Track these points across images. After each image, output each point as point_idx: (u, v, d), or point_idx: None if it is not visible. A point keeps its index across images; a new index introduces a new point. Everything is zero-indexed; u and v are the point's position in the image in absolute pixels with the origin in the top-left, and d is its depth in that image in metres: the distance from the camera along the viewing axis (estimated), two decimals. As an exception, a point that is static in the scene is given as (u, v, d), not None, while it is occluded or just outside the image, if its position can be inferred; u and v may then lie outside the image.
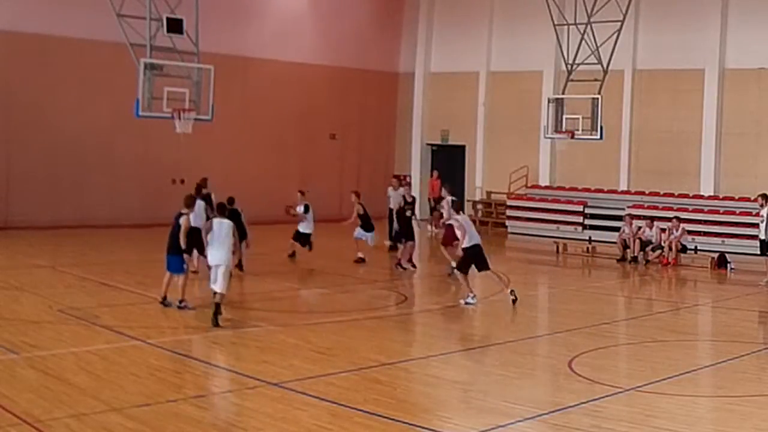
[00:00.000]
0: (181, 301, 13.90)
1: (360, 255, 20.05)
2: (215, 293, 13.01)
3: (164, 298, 14.07)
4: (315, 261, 20.04)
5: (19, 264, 18.48)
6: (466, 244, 15.40)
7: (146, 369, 10.38)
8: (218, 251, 13.21)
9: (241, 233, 16.40)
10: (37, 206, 24.13)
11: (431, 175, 28.74)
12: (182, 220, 13.82)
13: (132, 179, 25.86)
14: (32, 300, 14.41)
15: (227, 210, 14.34)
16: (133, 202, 25.84)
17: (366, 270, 19.37)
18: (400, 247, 19.63)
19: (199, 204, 15.60)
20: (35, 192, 24.16)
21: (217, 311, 12.86)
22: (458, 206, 16.29)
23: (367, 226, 20.28)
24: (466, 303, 15.33)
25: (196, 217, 14.81)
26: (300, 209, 20.18)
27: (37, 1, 23.77)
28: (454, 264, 17.15)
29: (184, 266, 14.01)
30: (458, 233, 15.58)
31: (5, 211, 23.83)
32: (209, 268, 13.43)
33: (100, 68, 24.42)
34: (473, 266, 15.44)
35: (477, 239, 15.59)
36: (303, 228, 20.08)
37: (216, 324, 12.77)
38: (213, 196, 17.21)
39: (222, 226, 13.36)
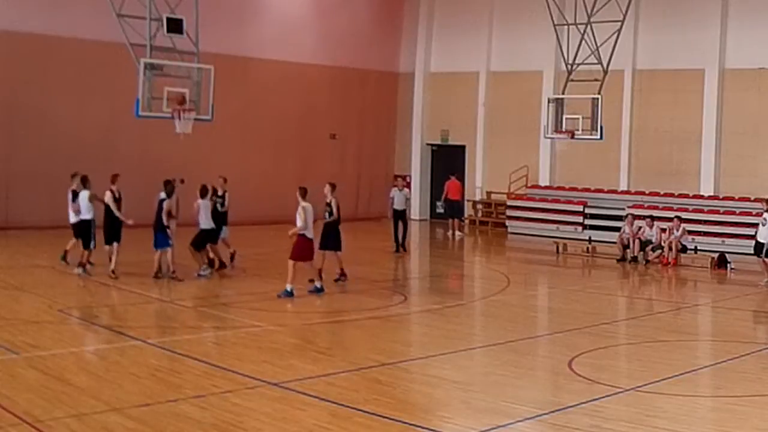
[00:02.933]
0: (173, 272, 16.03)
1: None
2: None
3: (158, 271, 16.32)
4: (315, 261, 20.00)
5: (19, 264, 18.48)
6: (205, 226, 17.21)
7: (146, 369, 10.39)
8: None
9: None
10: (37, 206, 24.10)
11: (449, 177, 28.31)
12: (165, 204, 16.41)
13: (132, 179, 25.78)
14: (32, 300, 14.41)
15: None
16: (133, 202, 25.73)
17: (366, 270, 19.36)
18: None
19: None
20: (35, 192, 24.13)
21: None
22: (203, 192, 17.47)
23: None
24: (200, 275, 16.98)
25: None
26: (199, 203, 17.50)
27: (37, 1, 23.76)
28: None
29: (170, 241, 16.21)
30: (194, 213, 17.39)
31: (5, 211, 23.81)
32: None
33: (100, 68, 24.39)
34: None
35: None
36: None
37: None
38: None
39: None
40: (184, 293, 14.61)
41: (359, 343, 12.38)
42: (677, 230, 21.87)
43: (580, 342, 12.53)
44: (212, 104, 19.73)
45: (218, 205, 18.27)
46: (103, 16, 19.75)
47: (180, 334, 12.84)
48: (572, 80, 24.80)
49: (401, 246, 22.54)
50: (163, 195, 16.92)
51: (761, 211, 19.63)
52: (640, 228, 22.41)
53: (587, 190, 28.15)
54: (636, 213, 24.36)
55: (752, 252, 19.59)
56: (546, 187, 29.44)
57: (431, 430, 8.40)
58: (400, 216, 22.68)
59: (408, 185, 22.81)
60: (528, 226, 28.48)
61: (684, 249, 22.09)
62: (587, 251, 24.09)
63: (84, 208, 17.33)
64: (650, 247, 22.03)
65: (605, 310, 16.28)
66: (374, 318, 14.53)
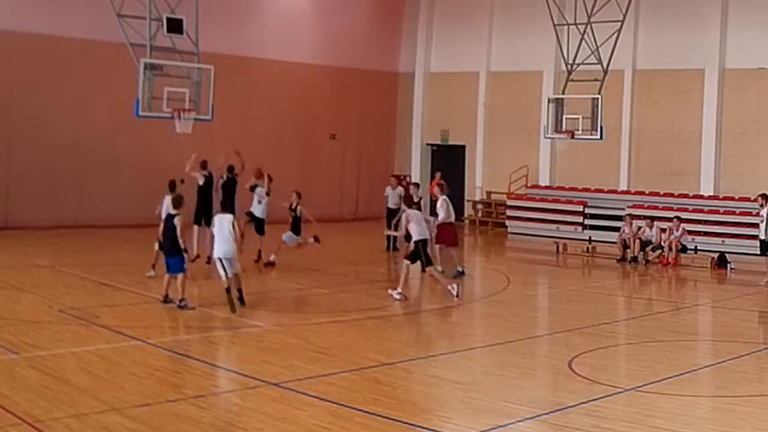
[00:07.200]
0: (181, 300, 13.97)
1: (273, 258, 18.98)
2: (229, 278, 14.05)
3: (166, 296, 14.17)
4: (315, 261, 20.02)
5: (19, 264, 18.47)
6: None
7: (146, 369, 10.38)
8: (221, 245, 14.08)
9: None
10: (37, 206, 24.11)
11: (434, 177, 28.46)
12: (176, 221, 14.02)
13: (132, 179, 25.85)
14: (32, 300, 14.40)
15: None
16: (133, 202, 25.78)
17: (366, 270, 19.37)
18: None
19: None
20: (35, 192, 24.14)
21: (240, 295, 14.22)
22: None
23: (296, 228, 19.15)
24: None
25: None
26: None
27: (37, 1, 23.77)
28: (439, 268, 17.83)
29: (184, 266, 14.13)
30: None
31: (5, 211, 23.81)
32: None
33: (100, 68, 24.40)
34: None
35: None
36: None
37: (242, 303, 14.14)
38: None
39: (223, 220, 14.18)
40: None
41: (359, 343, 12.37)
42: (677, 230, 21.87)
43: (580, 342, 12.53)
44: (212, 104, 19.73)
45: (291, 218, 18.90)
46: (103, 16, 19.76)
47: (180, 334, 12.85)
48: (572, 80, 24.80)
49: (394, 245, 22.42)
50: (172, 210, 14.24)
51: (758, 210, 19.58)
52: (639, 228, 22.42)
53: (587, 190, 28.16)
54: (636, 213, 24.40)
55: (757, 252, 19.52)
56: (546, 187, 29.45)
57: (431, 430, 8.40)
58: (394, 215, 22.60)
59: (400, 184, 22.65)
60: (528, 226, 28.48)
61: (684, 249, 22.09)
62: (587, 251, 24.10)
63: None
64: (650, 247, 22.04)
65: (605, 310, 16.28)
66: (374, 318, 14.53)
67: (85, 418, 8.28)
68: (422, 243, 15.82)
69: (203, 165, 19.10)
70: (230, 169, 19.29)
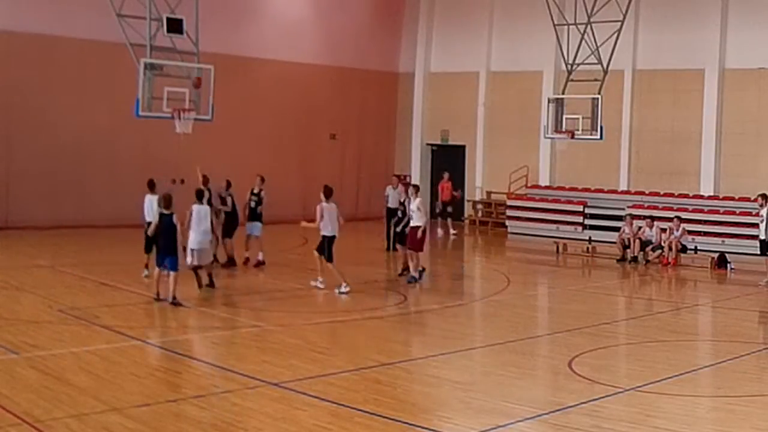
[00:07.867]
0: (174, 298, 14.12)
1: (261, 257, 18.86)
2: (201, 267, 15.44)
3: (158, 294, 14.37)
4: (315, 261, 19.98)
5: (19, 264, 18.47)
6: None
7: (146, 369, 10.40)
8: (196, 236, 15.07)
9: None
10: (37, 206, 24.11)
11: (442, 177, 28.49)
12: (175, 220, 14.22)
13: (132, 179, 25.78)
14: (32, 300, 14.41)
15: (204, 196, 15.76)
16: (133, 202, 25.68)
17: (366, 270, 19.35)
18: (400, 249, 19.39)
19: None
20: (35, 192, 24.15)
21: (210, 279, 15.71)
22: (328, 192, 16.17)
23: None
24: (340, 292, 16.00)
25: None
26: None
27: (37, 1, 23.77)
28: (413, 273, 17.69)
29: (178, 266, 14.34)
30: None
31: (5, 211, 23.81)
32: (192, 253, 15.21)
33: (100, 68, 24.40)
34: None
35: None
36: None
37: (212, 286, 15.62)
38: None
39: (201, 212, 15.21)
40: (184, 293, 14.58)
41: (359, 343, 12.38)
42: (677, 230, 21.88)
43: (580, 342, 12.53)
44: (212, 104, 19.73)
45: (252, 203, 18.90)
46: (103, 16, 19.75)
47: (180, 334, 12.85)
48: (572, 80, 24.80)
49: (393, 245, 22.35)
50: (165, 210, 14.35)
51: (758, 210, 19.57)
52: (640, 228, 22.43)
53: (587, 190, 28.16)
54: (636, 213, 24.40)
55: (757, 252, 19.49)
56: (546, 187, 29.44)
57: (431, 430, 8.40)
58: (394, 214, 22.51)
59: (403, 183, 22.60)
60: (528, 226, 28.47)
61: (684, 249, 22.10)
62: (587, 251, 24.09)
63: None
64: (650, 247, 22.04)
65: (605, 310, 16.28)
66: (374, 318, 14.54)
67: (85, 418, 8.29)
68: (329, 239, 15.96)
69: (205, 181, 18.57)
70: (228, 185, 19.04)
